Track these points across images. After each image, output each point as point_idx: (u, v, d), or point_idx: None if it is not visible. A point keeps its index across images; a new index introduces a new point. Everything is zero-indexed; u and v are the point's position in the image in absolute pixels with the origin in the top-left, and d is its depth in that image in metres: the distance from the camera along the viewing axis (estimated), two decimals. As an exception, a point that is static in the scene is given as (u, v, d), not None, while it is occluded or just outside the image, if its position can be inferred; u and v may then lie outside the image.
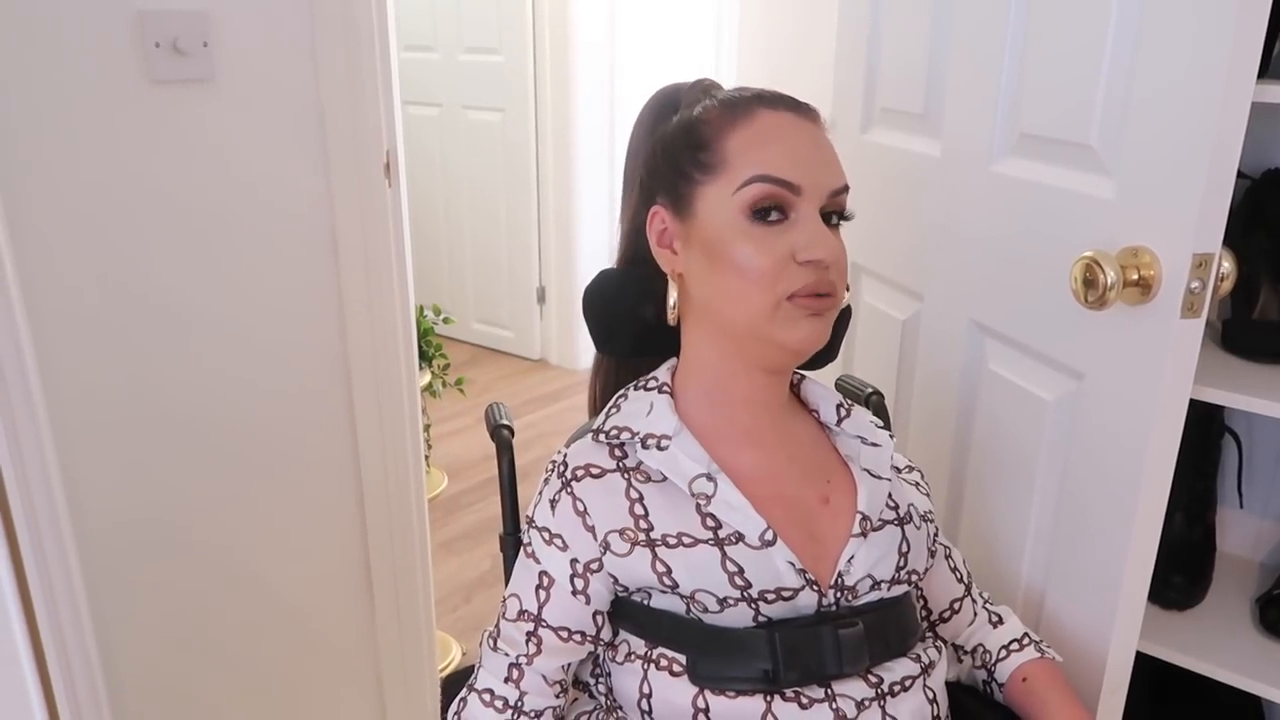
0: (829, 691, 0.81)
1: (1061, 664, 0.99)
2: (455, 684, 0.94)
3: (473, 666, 0.92)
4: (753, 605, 0.81)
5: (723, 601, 0.81)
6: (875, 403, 1.12)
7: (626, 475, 0.85)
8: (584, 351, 3.81)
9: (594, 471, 0.85)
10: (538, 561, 0.86)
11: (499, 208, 3.84)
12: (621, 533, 0.83)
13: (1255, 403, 1.04)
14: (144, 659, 1.35)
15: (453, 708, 0.89)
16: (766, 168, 0.80)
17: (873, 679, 0.83)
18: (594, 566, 0.84)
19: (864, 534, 0.86)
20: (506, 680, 0.86)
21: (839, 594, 0.84)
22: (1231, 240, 0.89)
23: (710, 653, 0.81)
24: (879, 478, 0.90)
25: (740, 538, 0.82)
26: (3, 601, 0.66)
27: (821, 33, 2.64)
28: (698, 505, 0.83)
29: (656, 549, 0.82)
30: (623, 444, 0.87)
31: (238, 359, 1.35)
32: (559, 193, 3.70)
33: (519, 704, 0.86)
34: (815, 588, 0.82)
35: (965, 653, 1.02)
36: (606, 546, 0.83)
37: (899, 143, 1.36)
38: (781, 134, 0.82)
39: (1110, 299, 0.90)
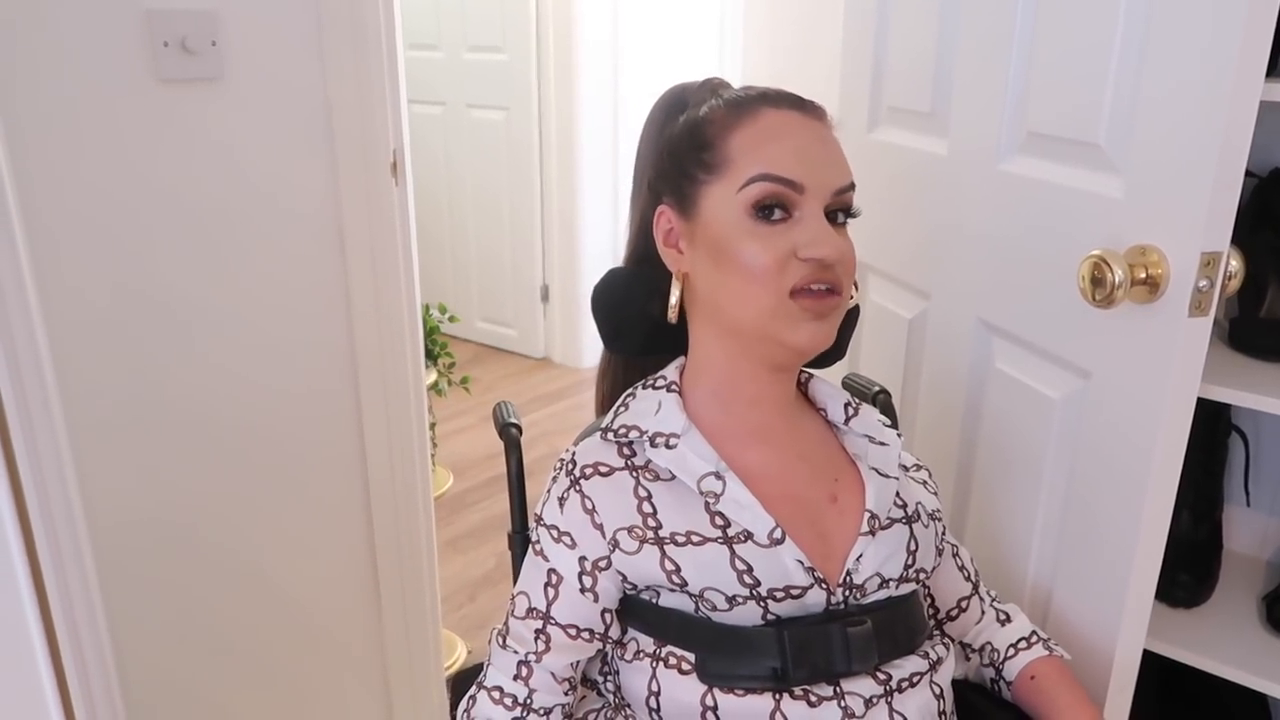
0: (838, 689, 0.81)
1: (1070, 662, 0.99)
2: (464, 682, 0.94)
3: (481, 664, 0.92)
4: (761, 603, 0.81)
5: (731, 600, 0.81)
6: (882, 401, 1.12)
7: (635, 473, 0.85)
8: (588, 350, 3.81)
9: (602, 470, 0.85)
10: (546, 559, 0.86)
11: (503, 206, 3.84)
12: (630, 531, 0.83)
13: (1262, 401, 1.04)
14: (151, 655, 1.35)
15: (462, 705, 0.90)
16: (769, 166, 0.80)
17: (881, 676, 0.83)
18: (602, 564, 0.84)
19: (872, 532, 0.86)
20: (515, 678, 0.86)
21: (847, 592, 0.84)
22: (1238, 238, 0.89)
23: (719, 651, 0.81)
24: (887, 476, 0.90)
25: (749, 536, 0.82)
26: (20, 600, 0.67)
27: (826, 31, 2.64)
28: (706, 504, 0.83)
29: (665, 547, 0.82)
30: (631, 442, 0.87)
31: (245, 358, 1.36)
32: (563, 191, 3.71)
33: (528, 701, 0.86)
34: (824, 586, 0.83)
35: (973, 651, 1.02)
36: (615, 545, 0.83)
37: (906, 141, 1.36)
38: (785, 132, 0.82)
39: (1118, 298, 0.90)
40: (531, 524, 0.92)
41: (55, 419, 0.68)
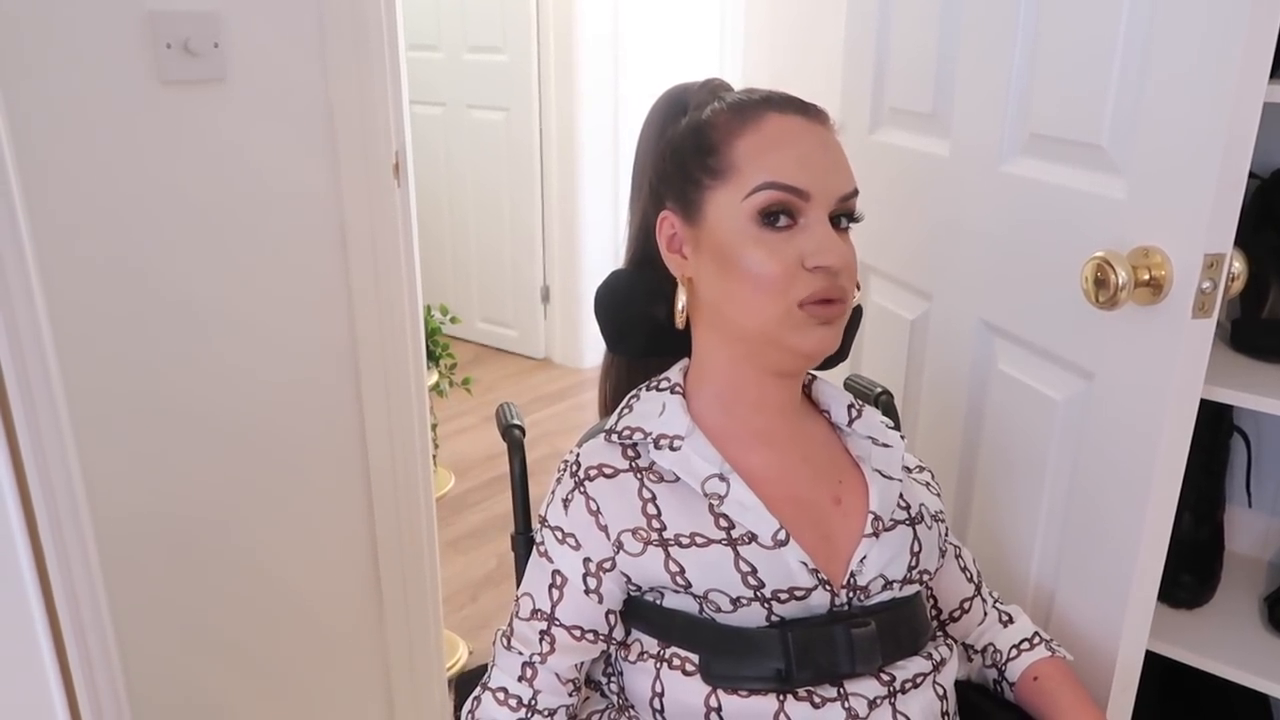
0: (841, 691, 0.81)
1: (1072, 663, 0.99)
2: (468, 683, 0.94)
3: (485, 665, 0.92)
4: (766, 605, 0.81)
5: (736, 601, 0.81)
6: (885, 402, 1.12)
7: (639, 475, 0.85)
8: (588, 351, 3.81)
9: (607, 471, 0.85)
10: (550, 561, 0.86)
11: (503, 207, 3.84)
12: (634, 532, 0.83)
13: (1264, 402, 1.04)
14: (152, 656, 1.35)
15: (466, 706, 0.90)
16: (775, 174, 0.80)
17: (885, 677, 0.83)
18: (607, 566, 0.84)
19: (876, 534, 0.86)
20: (520, 679, 0.87)
21: (851, 593, 0.84)
22: (1240, 239, 0.89)
23: (723, 652, 0.81)
24: (890, 478, 0.90)
25: (753, 538, 0.82)
26: (25, 595, 0.67)
27: (826, 32, 2.64)
28: (710, 505, 0.83)
29: (669, 549, 0.82)
30: (635, 444, 0.87)
31: (247, 359, 1.36)
32: (563, 192, 3.71)
33: (533, 702, 0.86)
34: (828, 587, 0.83)
35: (975, 652, 1.02)
36: (619, 546, 0.83)
37: (908, 143, 1.36)
38: (790, 138, 0.82)
39: (1121, 299, 0.91)
40: (535, 525, 0.92)
41: (60, 416, 0.68)
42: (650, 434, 0.86)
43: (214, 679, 1.45)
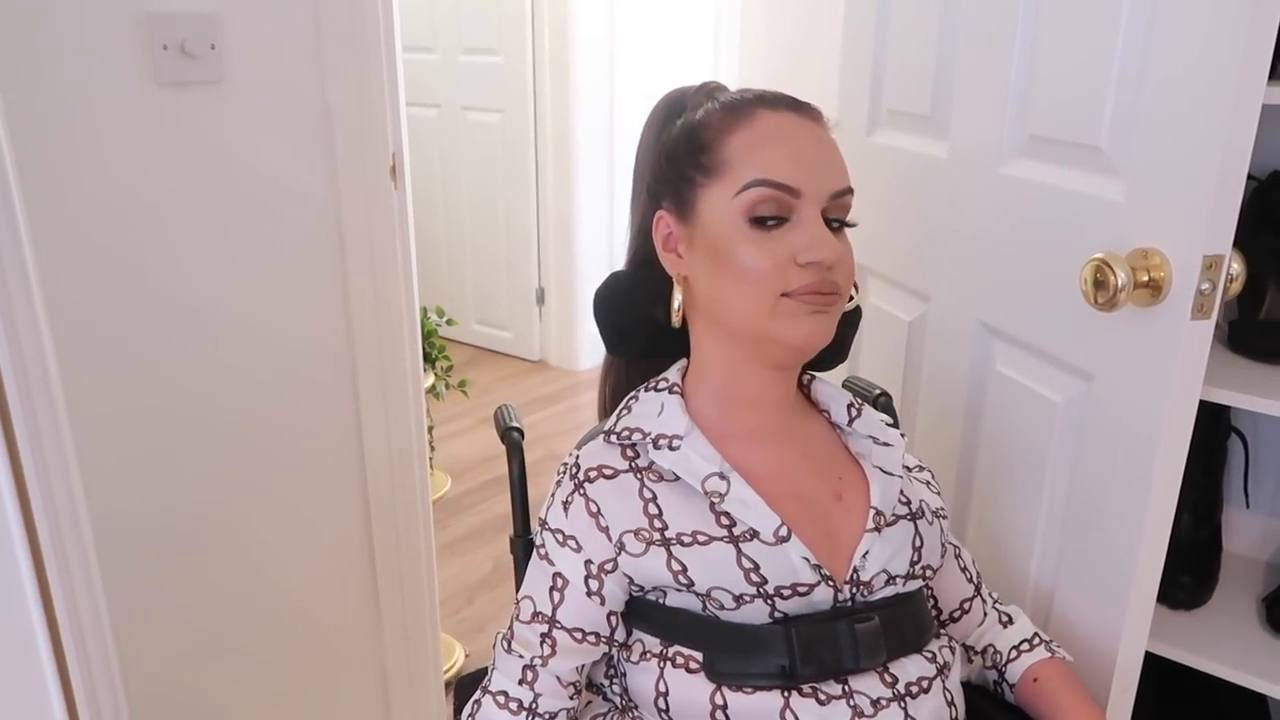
0: (846, 688, 0.81)
1: (1072, 664, 0.99)
2: (468, 686, 0.94)
3: (485, 668, 0.92)
4: (769, 601, 0.81)
5: (739, 598, 0.81)
6: (883, 404, 1.12)
7: (639, 475, 0.85)
8: (583, 353, 3.81)
9: (606, 472, 0.85)
10: (551, 563, 0.86)
11: (498, 209, 3.84)
12: (636, 533, 0.83)
13: (1261, 403, 1.04)
14: (149, 658, 1.35)
15: (467, 710, 0.90)
16: (766, 171, 0.80)
17: (888, 678, 0.83)
18: (608, 567, 0.84)
19: (878, 529, 0.86)
20: (521, 682, 0.86)
21: (854, 589, 0.84)
22: (1237, 241, 0.90)
23: (727, 649, 0.81)
24: (891, 474, 0.90)
25: (755, 534, 0.82)
26: (23, 598, 0.67)
27: (822, 34, 2.65)
28: (711, 503, 0.83)
29: (672, 548, 0.82)
30: (634, 444, 0.87)
31: (244, 361, 1.35)
32: (558, 194, 3.70)
33: (533, 706, 0.86)
34: (831, 583, 0.83)
35: (975, 653, 1.02)
36: (621, 547, 0.83)
37: (905, 144, 1.36)
38: (781, 135, 0.82)
39: (1121, 301, 0.91)
40: (535, 528, 0.92)
41: (59, 416, 0.68)
42: (649, 434, 0.86)
43: (210, 682, 1.44)
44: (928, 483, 0.98)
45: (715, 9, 3.60)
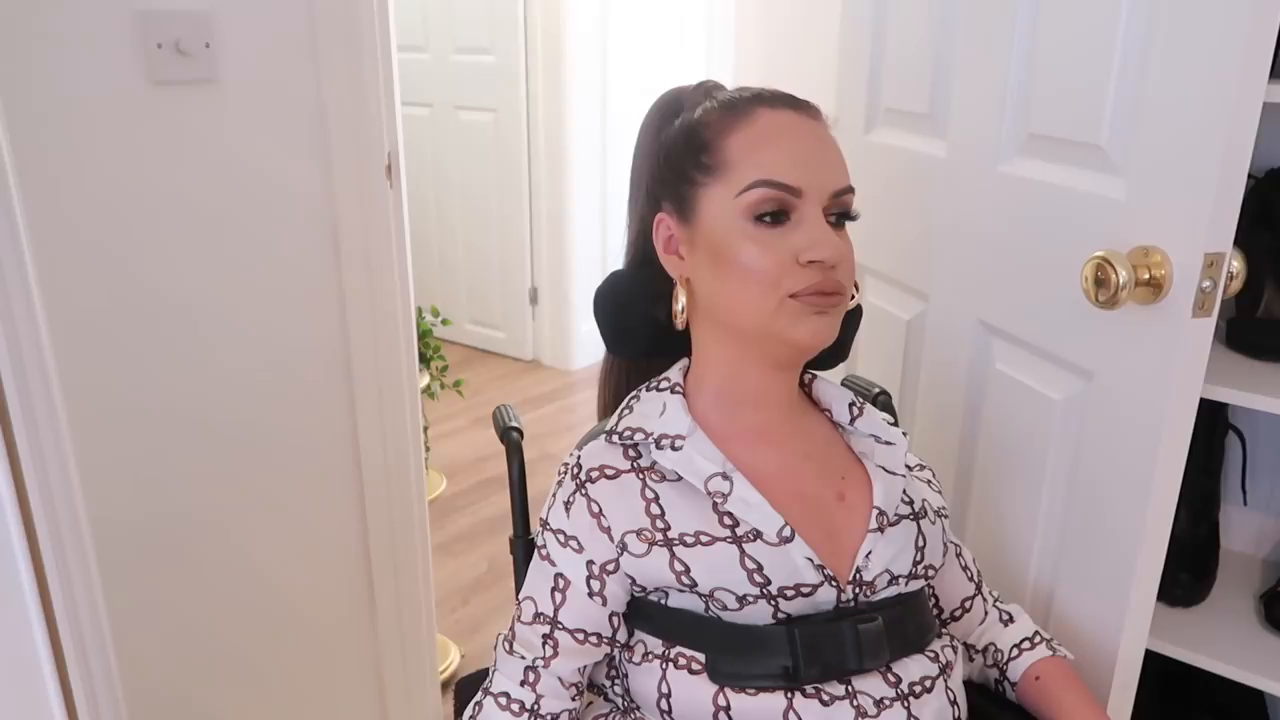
0: (849, 689, 0.81)
1: (1073, 662, 1.00)
2: (469, 687, 0.94)
3: (486, 669, 0.92)
4: (772, 602, 0.81)
5: (742, 599, 0.81)
6: (883, 403, 1.12)
7: (641, 475, 0.85)
8: (577, 352, 3.80)
9: (608, 473, 0.85)
10: (553, 564, 0.86)
11: (491, 208, 3.83)
12: (639, 533, 0.82)
13: (1259, 400, 1.05)
14: (144, 658, 1.34)
15: (468, 711, 0.89)
16: (767, 171, 0.80)
17: (891, 678, 0.83)
18: (610, 568, 0.84)
19: (881, 529, 0.86)
20: (523, 683, 0.86)
21: (857, 589, 0.84)
22: (1237, 239, 0.90)
23: (730, 650, 0.81)
24: (893, 474, 0.90)
25: (758, 535, 0.82)
26: (23, 599, 0.66)
27: (817, 32, 2.65)
28: (714, 504, 0.83)
29: (674, 548, 0.82)
30: (636, 444, 0.87)
31: (239, 361, 1.35)
32: (551, 193, 3.70)
33: (535, 707, 0.85)
34: (834, 583, 0.82)
35: (976, 651, 1.02)
36: (624, 548, 0.83)
37: (904, 143, 1.36)
38: (782, 134, 0.82)
39: (1122, 299, 0.91)
40: (536, 528, 0.91)
41: (58, 416, 0.67)
42: (651, 434, 0.86)
43: (206, 682, 1.43)
44: (929, 481, 0.98)
45: (708, 6, 3.59)
